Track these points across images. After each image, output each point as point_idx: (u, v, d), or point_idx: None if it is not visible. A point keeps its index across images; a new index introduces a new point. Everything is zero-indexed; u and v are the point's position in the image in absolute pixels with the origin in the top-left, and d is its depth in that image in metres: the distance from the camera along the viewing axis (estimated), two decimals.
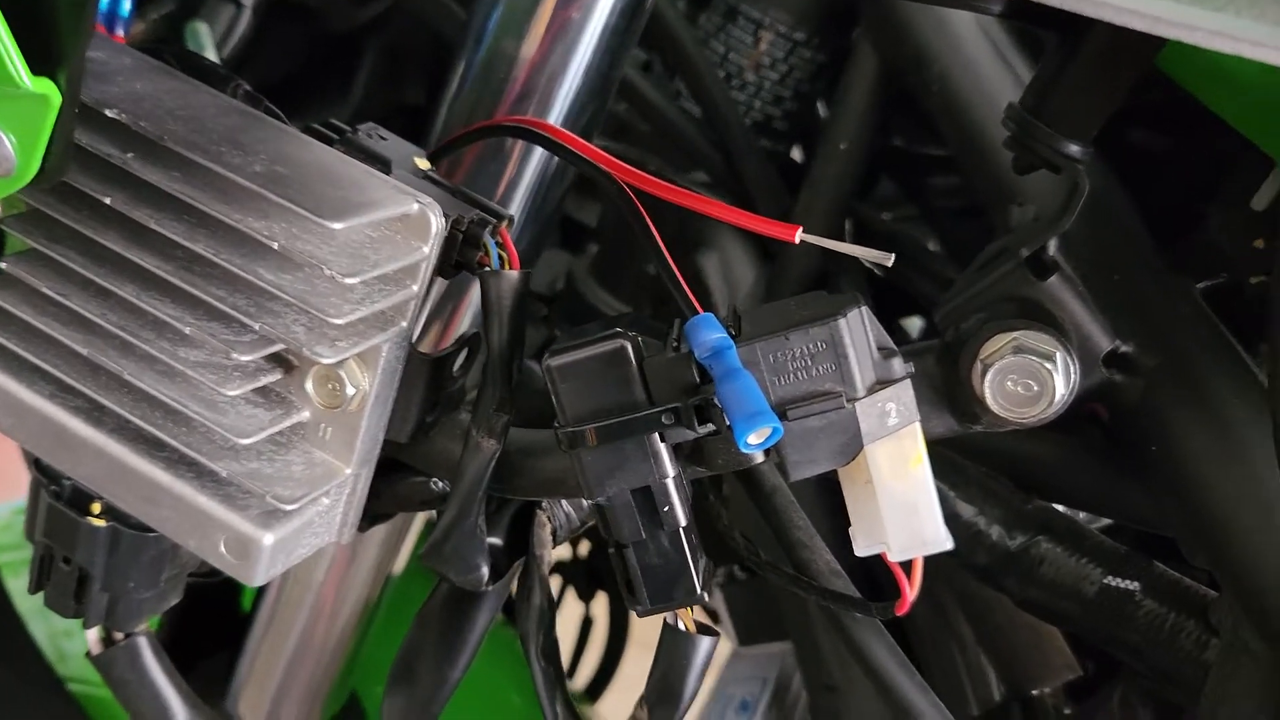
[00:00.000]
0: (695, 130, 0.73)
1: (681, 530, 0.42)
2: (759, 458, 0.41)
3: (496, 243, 0.46)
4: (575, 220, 0.87)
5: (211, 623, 0.81)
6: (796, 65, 0.74)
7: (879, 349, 0.41)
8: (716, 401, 0.39)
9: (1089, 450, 0.57)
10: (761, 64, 0.74)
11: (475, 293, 0.59)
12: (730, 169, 0.72)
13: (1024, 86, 0.58)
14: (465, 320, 0.60)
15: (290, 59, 0.84)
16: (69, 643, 0.93)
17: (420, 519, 0.83)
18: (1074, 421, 0.52)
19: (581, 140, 0.46)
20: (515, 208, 0.59)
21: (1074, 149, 0.48)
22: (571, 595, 1.11)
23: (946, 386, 0.47)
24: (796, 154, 0.81)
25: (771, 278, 0.72)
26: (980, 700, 0.62)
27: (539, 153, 0.60)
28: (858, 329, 0.40)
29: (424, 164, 0.49)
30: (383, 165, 0.46)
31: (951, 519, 0.53)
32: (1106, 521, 0.63)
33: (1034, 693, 0.62)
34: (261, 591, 0.74)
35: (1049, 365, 0.45)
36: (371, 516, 0.51)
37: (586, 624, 1.14)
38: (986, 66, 0.59)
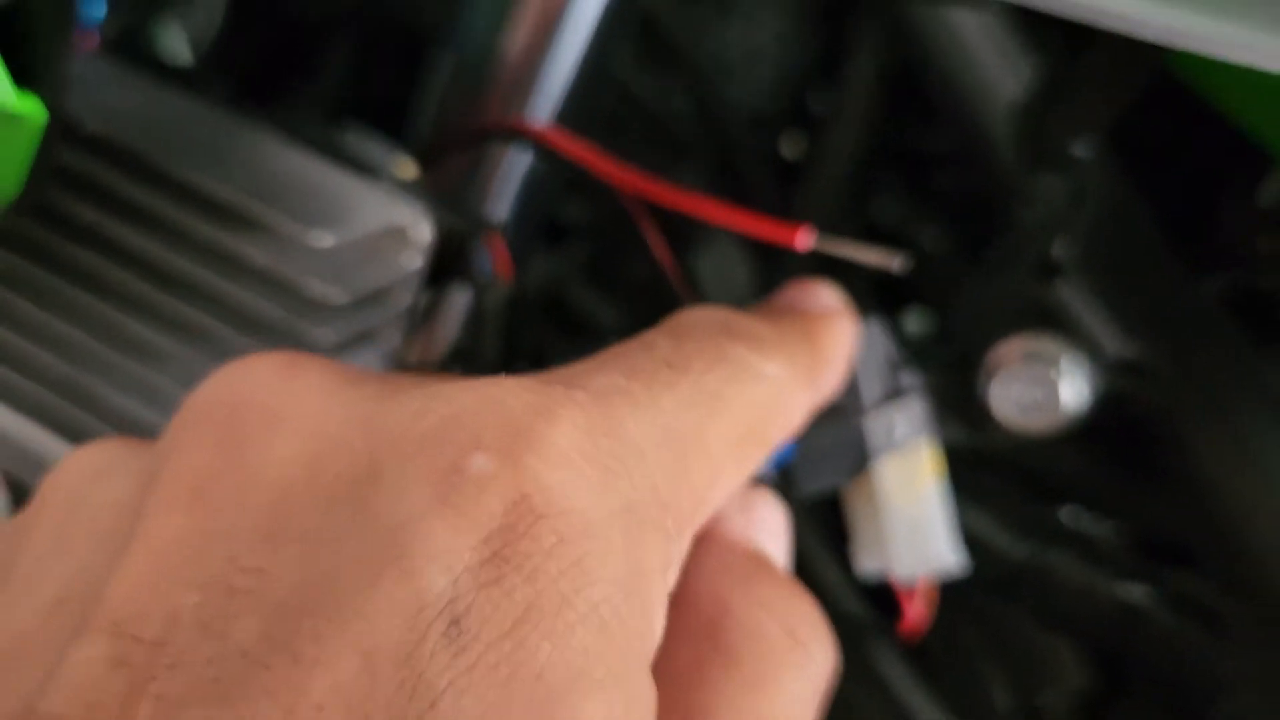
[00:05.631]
0: (686, 125, 0.72)
1: None
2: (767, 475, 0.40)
3: (488, 253, 0.45)
4: (561, 219, 0.85)
5: None
6: (790, 57, 0.72)
7: (888, 361, 0.40)
8: None
9: (1105, 457, 0.55)
10: (754, 56, 0.72)
11: (464, 300, 0.57)
12: (724, 165, 0.70)
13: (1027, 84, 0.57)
14: (454, 328, 0.58)
15: (258, 51, 0.82)
16: None
17: None
18: (1087, 428, 0.50)
19: (587, 149, 0.44)
20: (504, 214, 0.57)
21: (1080, 150, 0.47)
22: None
23: (956, 396, 0.46)
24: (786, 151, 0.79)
25: (769, 275, 0.70)
26: (986, 712, 0.61)
27: (529, 154, 0.59)
28: (872, 342, 0.39)
29: (410, 170, 0.47)
30: (368, 172, 0.45)
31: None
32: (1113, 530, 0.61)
33: (1041, 704, 0.61)
34: None
35: (1055, 373, 0.43)
36: None
37: None
38: (989, 65, 0.57)
